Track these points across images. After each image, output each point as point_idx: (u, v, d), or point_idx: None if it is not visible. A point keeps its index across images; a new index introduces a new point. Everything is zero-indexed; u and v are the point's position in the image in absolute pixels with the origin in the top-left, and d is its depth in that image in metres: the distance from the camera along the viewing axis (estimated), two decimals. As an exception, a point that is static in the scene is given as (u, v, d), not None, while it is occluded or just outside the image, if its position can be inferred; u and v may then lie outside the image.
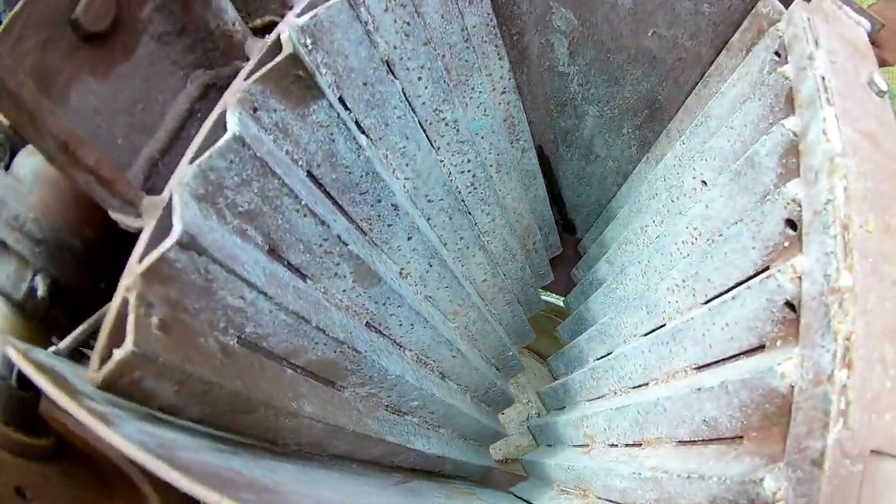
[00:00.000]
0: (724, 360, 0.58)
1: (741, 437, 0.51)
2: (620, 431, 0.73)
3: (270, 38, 0.50)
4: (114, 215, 0.51)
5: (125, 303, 0.42)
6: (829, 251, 0.42)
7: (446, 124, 0.74)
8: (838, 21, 0.69)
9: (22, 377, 0.60)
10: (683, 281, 0.65)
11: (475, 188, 0.86)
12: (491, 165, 0.91)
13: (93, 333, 0.64)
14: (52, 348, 0.58)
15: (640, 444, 0.70)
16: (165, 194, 0.44)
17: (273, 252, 0.51)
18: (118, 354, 0.40)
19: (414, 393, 0.76)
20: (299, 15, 0.51)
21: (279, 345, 0.53)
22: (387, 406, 0.75)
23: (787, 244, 0.50)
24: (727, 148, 0.68)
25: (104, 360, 0.42)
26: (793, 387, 0.43)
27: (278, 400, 0.52)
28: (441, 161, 0.77)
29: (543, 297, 1.42)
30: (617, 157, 1.02)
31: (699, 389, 0.54)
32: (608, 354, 0.88)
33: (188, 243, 0.41)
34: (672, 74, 0.84)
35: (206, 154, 0.43)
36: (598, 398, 0.86)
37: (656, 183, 0.89)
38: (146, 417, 0.45)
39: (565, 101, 0.95)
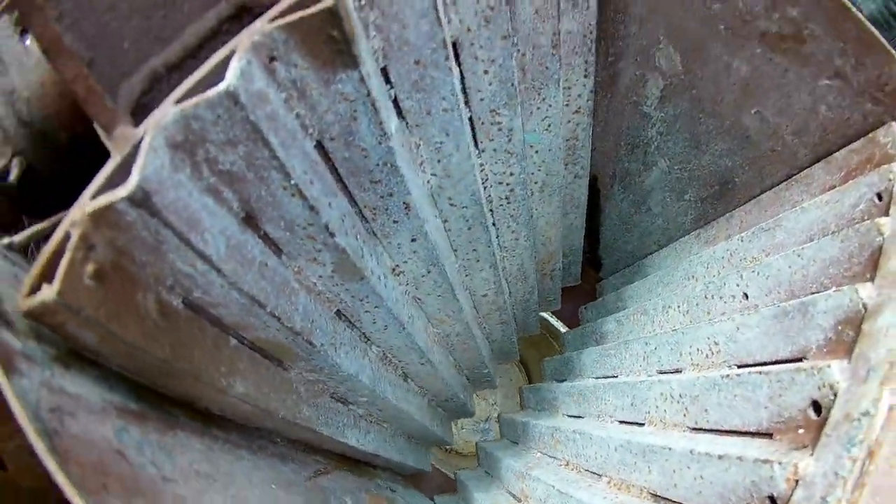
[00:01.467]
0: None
1: None
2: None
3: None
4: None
5: (66, 238, 0.36)
6: (841, 473, 0.35)
7: (499, 129, 0.67)
8: None
9: None
10: (681, 396, 0.59)
11: (509, 203, 0.79)
12: (536, 183, 0.84)
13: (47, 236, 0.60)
14: (6, 240, 0.55)
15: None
16: (139, 129, 0.38)
17: (248, 220, 0.45)
18: (41, 295, 0.35)
19: (365, 391, 0.71)
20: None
21: (228, 317, 0.48)
22: (332, 394, 0.70)
23: (802, 429, 0.43)
24: (785, 274, 0.60)
25: (33, 290, 0.37)
26: None
27: (207, 375, 0.47)
28: (480, 166, 0.70)
29: (544, 316, 1.37)
30: (669, 219, 0.94)
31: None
32: (578, 417, 0.83)
33: (140, 200, 0.35)
34: (759, 162, 0.76)
35: (193, 100, 0.36)
36: (550, 460, 0.80)
37: (698, 267, 0.81)
38: (58, 361, 0.40)
39: (638, 144, 0.87)
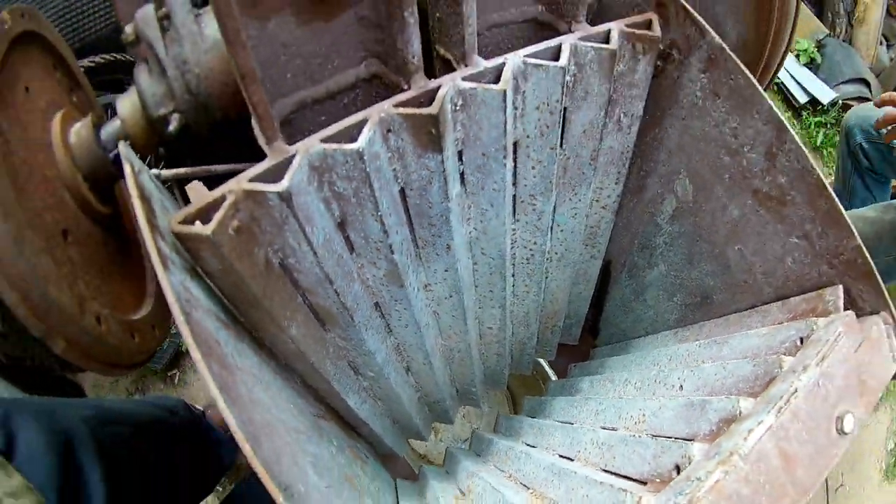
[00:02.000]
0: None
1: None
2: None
3: (433, 83, 0.63)
4: (255, 126, 0.66)
5: (223, 197, 0.57)
6: (668, 508, 0.53)
7: (534, 209, 0.86)
8: (872, 349, 0.73)
9: (116, 159, 0.76)
10: (602, 444, 0.76)
11: (528, 263, 0.97)
12: (555, 254, 1.02)
13: (186, 180, 0.80)
14: (155, 171, 0.69)
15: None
16: (292, 148, 0.58)
17: (341, 226, 0.65)
18: (198, 228, 0.54)
19: (375, 368, 0.90)
20: (465, 79, 0.64)
21: (304, 282, 0.68)
22: (349, 362, 0.89)
23: (661, 482, 0.61)
24: (711, 379, 0.77)
25: (187, 220, 0.57)
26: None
27: (276, 315, 0.66)
28: (513, 231, 0.89)
29: (540, 361, 1.54)
30: (658, 313, 1.11)
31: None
32: (532, 447, 1.01)
33: (283, 196, 0.55)
34: (733, 289, 0.93)
35: (333, 146, 0.57)
36: (498, 471, 0.98)
37: (663, 357, 0.98)
38: (190, 272, 0.61)
39: (647, 245, 1.05)
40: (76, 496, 0.84)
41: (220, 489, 1.68)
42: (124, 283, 0.89)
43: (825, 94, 2.94)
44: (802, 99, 2.98)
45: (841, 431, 0.65)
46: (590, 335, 1.43)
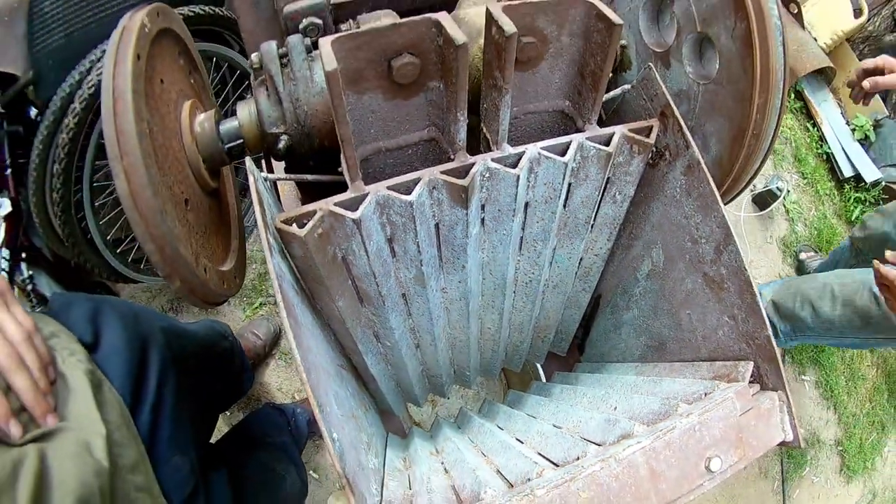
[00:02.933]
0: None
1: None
2: (447, 460, 1.13)
3: (470, 159, 0.89)
4: (342, 164, 0.92)
5: (315, 212, 0.84)
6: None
7: (535, 249, 1.11)
8: (759, 416, 0.88)
9: (230, 153, 0.93)
10: (541, 435, 1.02)
11: (527, 286, 1.23)
12: (551, 282, 1.27)
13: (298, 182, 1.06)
14: (264, 175, 0.85)
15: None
16: (366, 188, 0.85)
17: (389, 241, 0.91)
18: (295, 230, 0.80)
19: (392, 339, 1.16)
20: (493, 160, 0.90)
21: (356, 272, 0.91)
22: (374, 331, 1.15)
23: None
24: (636, 407, 0.99)
25: (287, 221, 0.84)
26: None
27: (332, 290, 0.91)
28: (517, 261, 1.15)
29: (536, 364, 1.80)
30: (627, 347, 1.36)
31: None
32: (501, 428, 1.27)
33: (357, 222, 0.82)
34: (681, 342, 1.16)
35: (395, 194, 0.83)
36: (468, 441, 1.25)
37: (617, 383, 1.22)
38: (280, 253, 0.88)
39: (627, 291, 1.29)
40: (144, 395, 0.90)
41: (228, 413, 1.93)
42: (218, 240, 1.04)
43: (871, 173, 3.02)
44: (847, 172, 3.07)
45: (708, 469, 0.82)
46: (578, 351, 1.68)
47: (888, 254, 1.30)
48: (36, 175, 1.31)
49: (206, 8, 1.47)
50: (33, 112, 1.31)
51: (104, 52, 1.29)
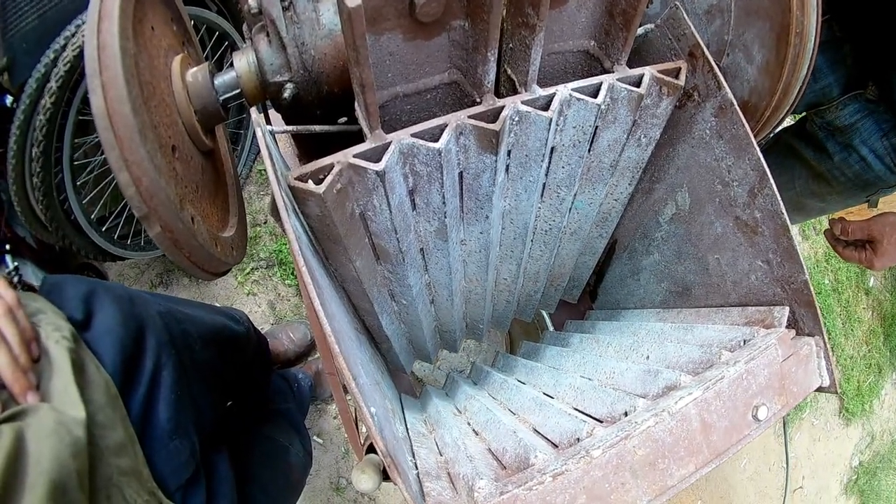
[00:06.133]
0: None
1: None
2: (476, 420, 1.10)
3: (499, 102, 0.82)
4: (357, 112, 0.85)
5: (332, 165, 0.77)
6: (610, 434, 0.76)
7: (557, 196, 1.05)
8: (799, 362, 0.87)
9: (225, 106, 0.86)
10: (577, 388, 0.98)
11: (546, 234, 1.18)
12: (569, 229, 1.22)
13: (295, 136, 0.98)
14: (270, 127, 0.79)
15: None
16: (389, 137, 0.78)
17: (411, 193, 0.85)
18: (312, 187, 0.74)
19: (408, 297, 1.12)
20: (523, 103, 0.83)
21: (374, 227, 0.86)
22: (389, 290, 1.11)
23: (612, 420, 0.84)
24: (671, 356, 0.97)
25: (303, 178, 0.77)
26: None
27: (349, 249, 0.86)
28: (538, 209, 1.10)
29: (542, 312, 1.77)
30: (647, 293, 1.32)
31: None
32: (523, 383, 1.24)
33: (380, 174, 0.75)
34: (707, 287, 1.13)
35: (420, 142, 0.76)
36: (491, 398, 1.21)
37: (642, 331, 1.19)
38: (292, 211, 0.81)
39: (647, 235, 1.25)
40: (139, 377, 0.87)
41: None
42: (215, 205, 1.00)
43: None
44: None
45: (755, 418, 0.80)
46: (589, 298, 1.65)
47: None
48: (15, 162, 1.25)
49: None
50: (8, 100, 1.25)
51: (79, 25, 1.24)
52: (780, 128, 1.22)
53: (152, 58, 0.79)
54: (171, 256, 0.75)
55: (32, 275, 1.47)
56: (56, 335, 0.76)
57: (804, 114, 1.64)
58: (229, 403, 1.50)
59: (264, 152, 0.72)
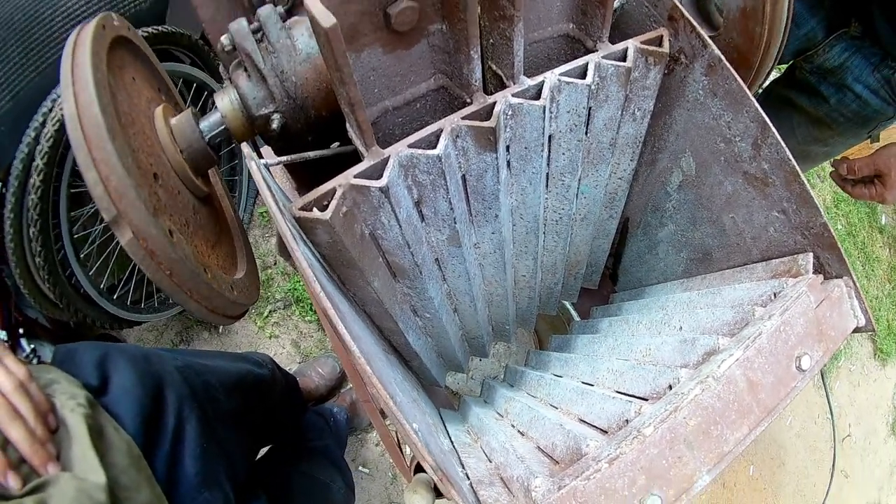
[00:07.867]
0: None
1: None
2: (519, 421, 1.09)
3: (490, 99, 0.82)
4: (350, 132, 0.85)
5: (335, 189, 0.77)
6: (657, 413, 0.74)
7: (563, 184, 1.05)
8: (832, 306, 0.86)
9: (211, 145, 0.83)
10: (616, 371, 0.97)
11: (557, 224, 1.17)
12: (579, 215, 1.22)
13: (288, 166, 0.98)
14: (263, 161, 0.77)
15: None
16: (386, 152, 0.78)
17: (417, 204, 0.85)
18: (317, 214, 0.73)
19: (431, 310, 1.11)
20: (514, 96, 0.83)
21: (387, 246, 0.86)
22: (411, 305, 1.10)
23: (657, 396, 0.82)
24: (704, 322, 0.96)
25: (307, 207, 0.77)
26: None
27: (365, 272, 0.86)
28: (545, 200, 1.09)
29: (565, 303, 1.76)
30: (667, 265, 1.31)
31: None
32: (560, 376, 1.22)
33: (384, 190, 0.75)
34: (727, 249, 1.11)
35: (418, 151, 0.76)
36: (530, 397, 1.20)
37: (670, 304, 1.18)
38: (301, 240, 0.81)
39: (658, 208, 1.24)
40: (162, 434, 0.87)
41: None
42: (221, 248, 0.95)
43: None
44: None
45: (799, 368, 0.80)
46: (610, 281, 1.63)
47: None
48: (14, 246, 1.24)
49: (153, 28, 1.40)
50: (-3, 187, 1.24)
51: (55, 100, 1.23)
52: (768, 81, 1.21)
53: (132, 96, 0.79)
54: (163, 287, 0.71)
55: (50, 354, 1.46)
56: (71, 403, 0.77)
57: (791, 62, 1.63)
58: (266, 448, 1.50)
59: (262, 186, 0.72)
